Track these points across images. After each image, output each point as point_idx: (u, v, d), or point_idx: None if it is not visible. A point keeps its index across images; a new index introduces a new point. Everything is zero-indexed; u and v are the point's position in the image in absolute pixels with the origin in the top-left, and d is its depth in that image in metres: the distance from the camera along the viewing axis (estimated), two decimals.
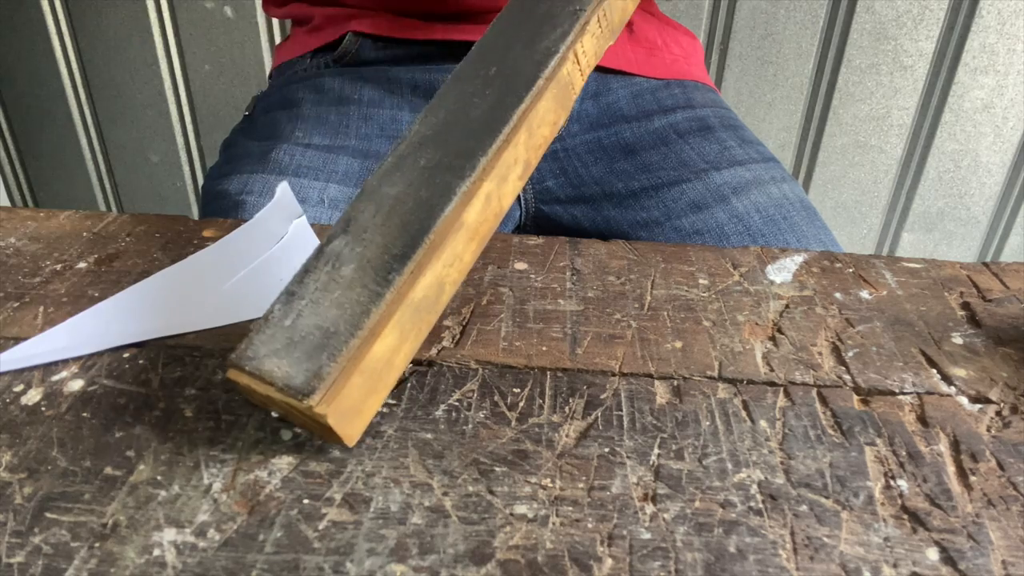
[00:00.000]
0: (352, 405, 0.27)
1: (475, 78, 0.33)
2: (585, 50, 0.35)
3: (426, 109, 0.32)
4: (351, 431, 0.27)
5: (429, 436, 0.29)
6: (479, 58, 0.34)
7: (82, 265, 0.39)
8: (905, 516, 0.26)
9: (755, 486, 0.27)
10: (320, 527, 0.25)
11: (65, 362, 0.32)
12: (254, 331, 0.27)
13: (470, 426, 0.29)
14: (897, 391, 0.31)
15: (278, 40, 1.17)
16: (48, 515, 0.25)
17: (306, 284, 0.28)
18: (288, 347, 0.26)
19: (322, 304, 0.27)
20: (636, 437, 0.29)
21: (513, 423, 0.29)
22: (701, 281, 0.39)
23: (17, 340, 0.33)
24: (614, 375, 0.32)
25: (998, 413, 0.30)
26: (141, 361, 0.32)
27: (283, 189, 0.42)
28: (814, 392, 0.31)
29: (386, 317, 0.27)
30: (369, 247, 0.28)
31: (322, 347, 0.26)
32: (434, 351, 0.33)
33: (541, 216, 0.63)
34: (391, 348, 0.28)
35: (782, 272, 0.40)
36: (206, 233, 0.42)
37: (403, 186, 0.30)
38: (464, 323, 0.35)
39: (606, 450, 0.28)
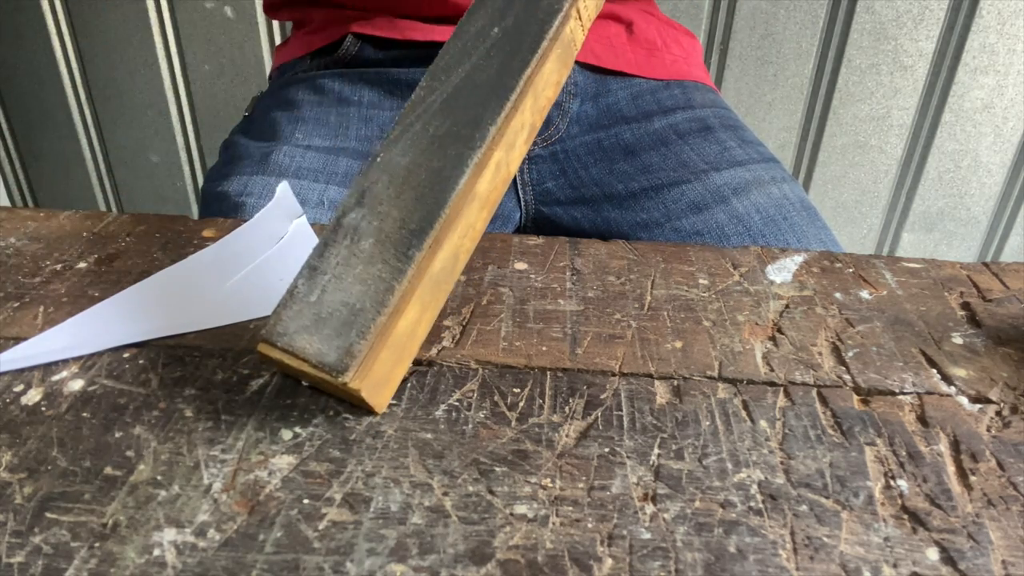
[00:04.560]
0: (381, 378, 0.28)
1: (478, 38, 0.32)
2: (587, 4, 0.34)
3: (428, 73, 0.32)
4: (381, 400, 0.29)
5: (429, 436, 0.29)
6: (480, 15, 0.33)
7: (82, 265, 0.39)
8: (905, 516, 0.26)
9: (755, 486, 0.27)
10: (320, 527, 0.25)
11: (65, 362, 0.32)
12: (281, 306, 0.28)
13: (470, 426, 0.29)
14: (897, 391, 0.31)
15: (278, 40, 1.17)
16: (48, 515, 0.25)
17: (327, 258, 0.29)
18: (317, 323, 0.27)
19: (345, 279, 0.28)
20: (636, 437, 0.29)
21: (513, 423, 0.29)
22: (701, 281, 0.39)
23: (17, 340, 0.33)
24: (614, 375, 0.32)
25: (998, 413, 0.30)
26: (141, 361, 0.32)
27: (283, 189, 0.42)
28: (814, 392, 0.31)
29: (409, 292, 0.28)
30: (386, 220, 0.29)
31: (350, 324, 0.27)
32: (434, 351, 0.33)
33: (541, 217, 0.63)
34: (414, 321, 0.29)
35: (782, 272, 0.40)
36: (206, 233, 0.42)
37: (414, 155, 0.30)
38: (464, 323, 0.35)
39: (606, 450, 0.28)
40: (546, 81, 0.32)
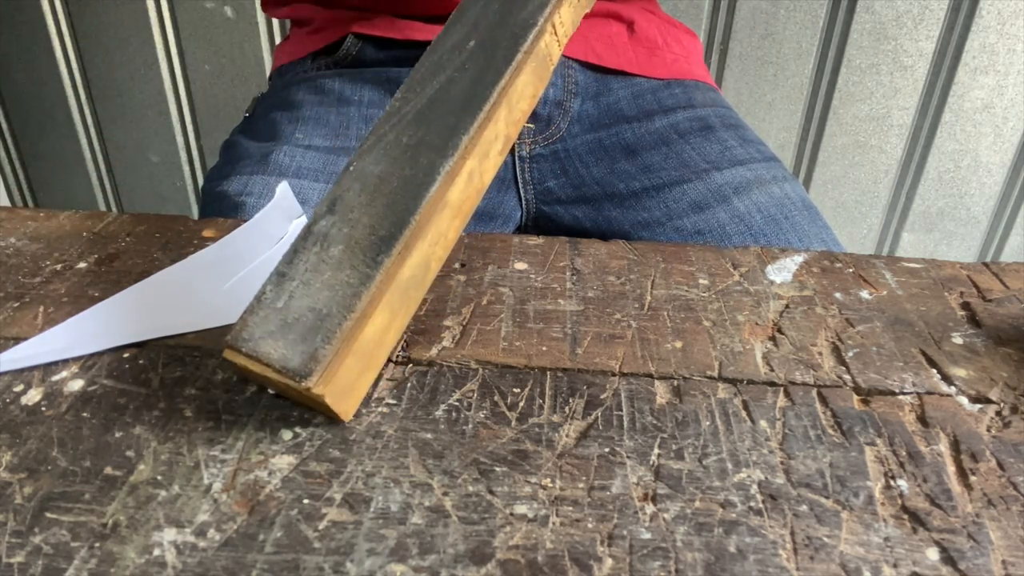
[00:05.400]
0: (347, 384, 0.28)
1: (453, 52, 0.32)
2: (563, 20, 0.34)
3: (404, 86, 0.32)
4: (347, 408, 0.28)
5: (429, 436, 0.29)
6: (456, 29, 0.33)
7: (82, 265, 0.39)
8: (905, 516, 0.26)
9: (755, 486, 0.27)
10: (320, 527, 0.25)
11: (65, 362, 0.32)
12: (248, 312, 0.28)
13: (470, 426, 0.29)
14: (897, 391, 0.31)
15: (278, 40, 1.17)
16: (48, 515, 0.25)
17: (295, 265, 0.28)
18: (283, 329, 0.27)
19: (313, 285, 0.28)
20: (636, 437, 0.29)
21: (513, 423, 0.29)
22: (701, 281, 0.39)
23: (17, 340, 0.33)
24: (614, 375, 0.32)
25: (998, 413, 0.30)
26: (141, 361, 0.32)
27: (283, 189, 0.42)
28: (814, 392, 0.31)
29: (376, 298, 0.28)
30: (356, 227, 0.29)
31: (316, 329, 0.27)
32: (434, 351, 0.33)
33: (542, 216, 0.63)
34: (382, 327, 0.29)
35: (782, 272, 0.40)
36: (206, 233, 0.42)
37: (386, 164, 0.30)
38: (464, 323, 0.35)
39: (606, 450, 0.28)
40: (520, 93, 0.33)
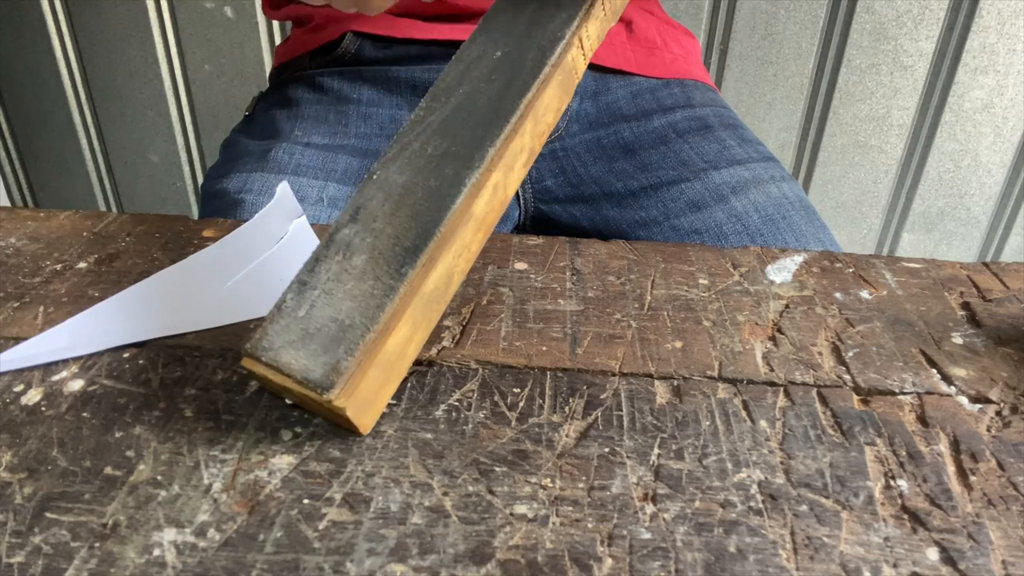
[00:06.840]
0: (368, 397, 0.27)
1: (480, 61, 0.32)
2: (589, 34, 0.34)
3: (429, 94, 0.32)
4: (367, 421, 0.28)
5: (429, 436, 0.29)
6: (483, 39, 0.33)
7: (82, 265, 0.39)
8: (905, 516, 0.26)
9: (755, 486, 0.27)
10: (320, 527, 0.25)
11: (65, 362, 0.32)
12: (268, 321, 0.27)
13: (470, 426, 0.29)
14: (897, 391, 0.31)
15: (278, 40, 1.17)
16: (48, 515, 0.25)
17: (318, 273, 0.28)
18: (304, 339, 0.27)
19: (335, 295, 0.27)
20: (636, 437, 0.29)
21: (513, 423, 0.29)
22: (701, 281, 0.39)
23: (17, 340, 0.33)
24: (614, 375, 0.32)
25: (998, 413, 0.30)
26: (141, 361, 0.32)
27: (283, 189, 0.42)
28: (814, 392, 0.31)
29: (400, 310, 0.28)
30: (380, 237, 0.28)
31: (338, 340, 0.26)
32: (434, 351, 0.33)
33: (540, 215, 0.63)
34: (404, 340, 0.28)
35: (782, 272, 0.40)
36: (206, 233, 0.42)
37: (411, 174, 0.30)
38: (464, 323, 0.35)
39: (606, 450, 0.28)
40: (546, 107, 0.32)
